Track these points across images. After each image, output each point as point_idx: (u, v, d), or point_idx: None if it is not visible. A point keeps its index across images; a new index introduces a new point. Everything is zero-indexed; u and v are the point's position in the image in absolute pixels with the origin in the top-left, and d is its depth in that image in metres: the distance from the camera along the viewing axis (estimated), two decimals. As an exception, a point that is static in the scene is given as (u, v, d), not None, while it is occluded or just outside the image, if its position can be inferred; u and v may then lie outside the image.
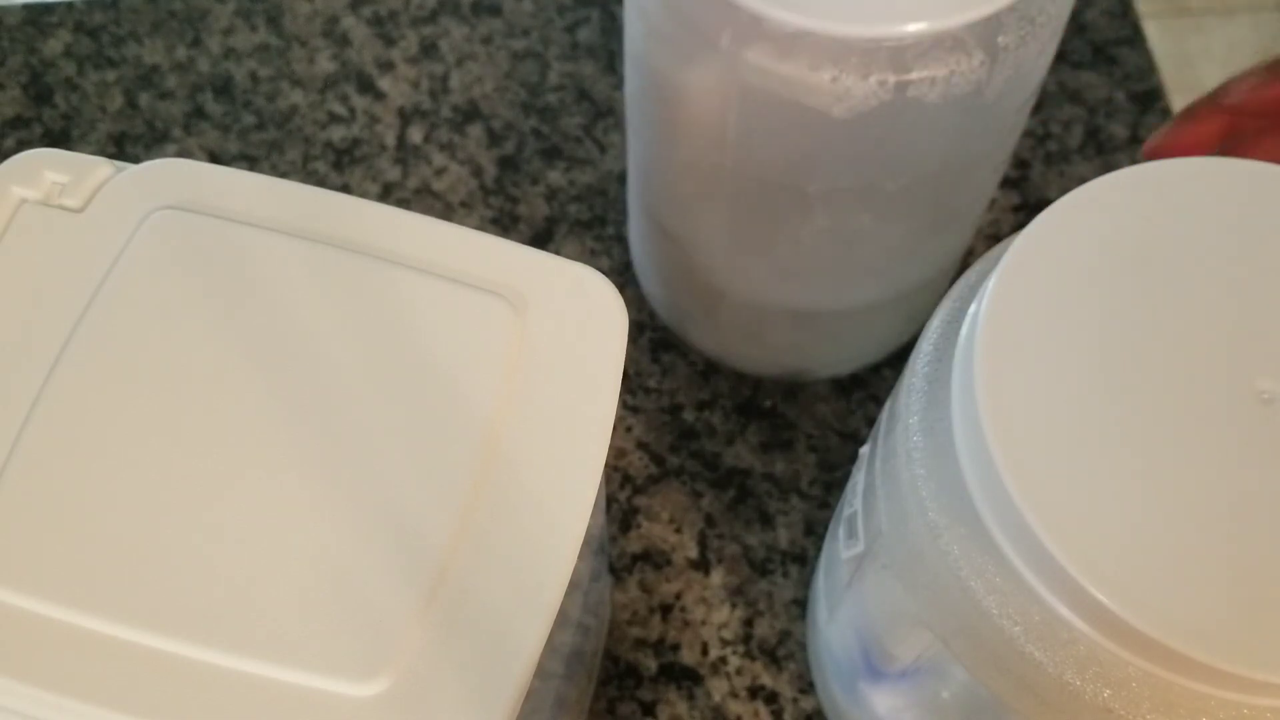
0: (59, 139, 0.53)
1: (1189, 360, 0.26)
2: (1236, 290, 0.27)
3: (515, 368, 0.27)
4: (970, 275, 0.29)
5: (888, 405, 0.31)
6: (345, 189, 0.51)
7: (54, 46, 0.55)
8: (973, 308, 0.27)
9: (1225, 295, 0.27)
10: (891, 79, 0.31)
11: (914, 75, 0.31)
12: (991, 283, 0.27)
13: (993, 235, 0.51)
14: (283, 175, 0.46)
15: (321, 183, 0.52)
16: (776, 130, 0.35)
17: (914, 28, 0.30)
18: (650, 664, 0.44)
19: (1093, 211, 0.28)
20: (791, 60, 0.31)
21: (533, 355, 0.27)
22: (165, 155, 0.38)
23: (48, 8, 0.56)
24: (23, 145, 0.52)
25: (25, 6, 0.56)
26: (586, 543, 0.26)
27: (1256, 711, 0.25)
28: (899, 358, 0.49)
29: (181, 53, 0.55)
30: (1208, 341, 0.26)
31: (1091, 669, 0.25)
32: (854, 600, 0.35)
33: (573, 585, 0.26)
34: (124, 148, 0.53)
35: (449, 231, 0.29)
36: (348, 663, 0.24)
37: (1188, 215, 0.28)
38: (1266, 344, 0.26)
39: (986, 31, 0.31)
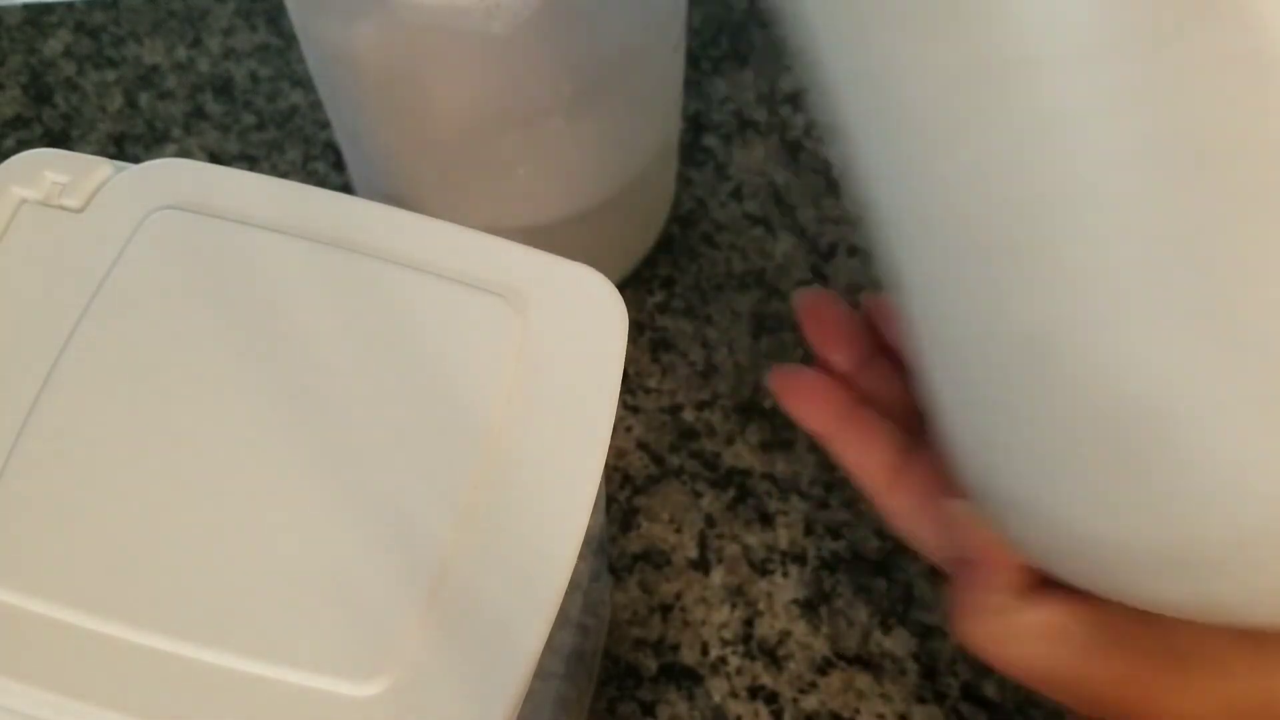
0: (59, 139, 0.53)
1: None
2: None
3: (515, 368, 0.27)
4: None
5: None
6: (345, 189, 0.51)
7: (54, 46, 0.55)
8: None
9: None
10: None
11: None
12: None
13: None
14: (283, 175, 0.46)
15: (321, 183, 0.52)
16: (447, 63, 0.35)
17: None
18: (650, 664, 0.44)
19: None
20: None
21: (533, 355, 0.27)
22: (165, 155, 0.38)
23: (48, 8, 0.56)
24: (23, 145, 0.52)
25: (25, 6, 0.56)
26: (586, 543, 0.26)
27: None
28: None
29: (181, 53, 0.55)
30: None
31: None
32: None
33: (573, 585, 0.26)
34: (124, 148, 0.52)
35: (449, 231, 0.29)
36: (348, 663, 0.24)
37: None
38: None
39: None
